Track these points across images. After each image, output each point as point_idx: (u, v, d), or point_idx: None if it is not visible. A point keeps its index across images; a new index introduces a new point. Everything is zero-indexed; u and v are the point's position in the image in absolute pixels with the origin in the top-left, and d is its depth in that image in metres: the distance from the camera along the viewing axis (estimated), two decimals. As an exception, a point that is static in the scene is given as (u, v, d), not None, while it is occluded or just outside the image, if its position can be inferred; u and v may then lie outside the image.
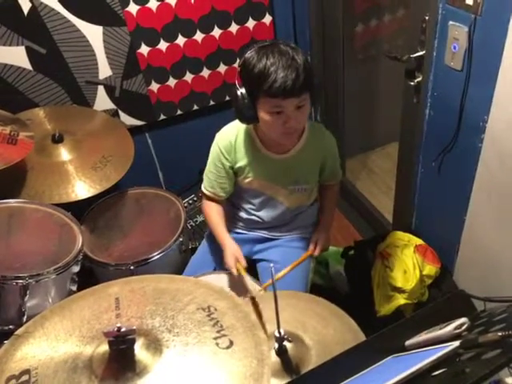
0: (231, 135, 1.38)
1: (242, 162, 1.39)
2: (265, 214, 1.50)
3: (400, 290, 1.56)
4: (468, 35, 1.22)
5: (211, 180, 1.44)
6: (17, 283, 1.20)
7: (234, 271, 1.35)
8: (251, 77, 1.17)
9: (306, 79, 1.15)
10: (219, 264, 1.51)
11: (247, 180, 1.42)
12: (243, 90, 1.21)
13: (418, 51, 1.44)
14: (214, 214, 1.47)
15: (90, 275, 1.58)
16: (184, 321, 0.82)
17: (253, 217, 1.52)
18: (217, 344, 0.78)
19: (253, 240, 1.57)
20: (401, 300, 1.56)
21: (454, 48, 1.28)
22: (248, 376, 0.73)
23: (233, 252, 1.38)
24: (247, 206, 1.51)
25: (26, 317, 1.24)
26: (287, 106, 1.17)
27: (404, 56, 1.47)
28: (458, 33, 1.25)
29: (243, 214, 1.54)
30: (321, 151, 1.42)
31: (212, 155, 1.43)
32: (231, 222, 1.57)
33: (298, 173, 1.41)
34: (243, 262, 1.37)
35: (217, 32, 1.93)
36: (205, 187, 1.47)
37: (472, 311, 0.90)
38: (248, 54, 1.18)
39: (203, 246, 1.61)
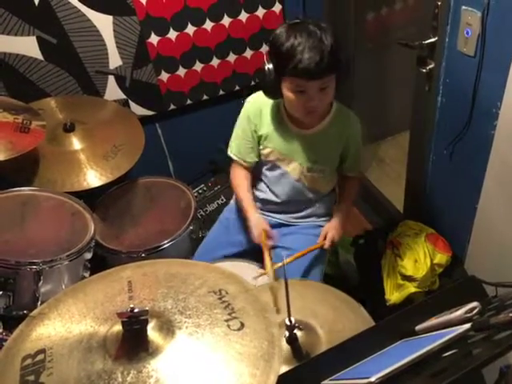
0: (261, 101, 1.41)
1: (265, 129, 1.42)
2: (281, 191, 1.50)
3: (410, 279, 1.56)
4: (481, 20, 1.20)
5: (238, 145, 1.47)
6: (31, 269, 1.22)
7: (265, 244, 1.34)
8: (278, 54, 1.20)
9: (331, 61, 1.16)
10: (230, 247, 1.53)
11: (266, 150, 1.44)
12: (270, 66, 1.24)
13: (430, 38, 1.42)
14: (240, 177, 1.49)
15: (102, 263, 1.59)
16: (195, 303, 0.83)
17: (269, 195, 1.53)
18: (228, 326, 0.79)
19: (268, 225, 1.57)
20: (411, 288, 1.56)
21: (467, 33, 1.26)
22: (259, 357, 0.74)
23: (259, 226, 1.38)
24: (265, 181, 1.52)
25: (39, 302, 1.25)
26: (310, 87, 1.20)
27: (416, 43, 1.45)
28: (470, 18, 1.23)
29: (260, 194, 1.55)
30: (344, 135, 1.41)
31: (240, 118, 1.46)
32: None
33: (317, 152, 1.42)
34: (270, 232, 1.37)
35: (226, 21, 1.93)
36: (232, 153, 1.49)
37: (483, 297, 0.90)
38: (278, 30, 1.21)
39: (214, 230, 1.62)
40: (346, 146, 1.44)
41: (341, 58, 1.21)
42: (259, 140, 1.45)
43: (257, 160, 1.48)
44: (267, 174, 1.50)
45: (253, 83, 2.12)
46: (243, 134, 1.45)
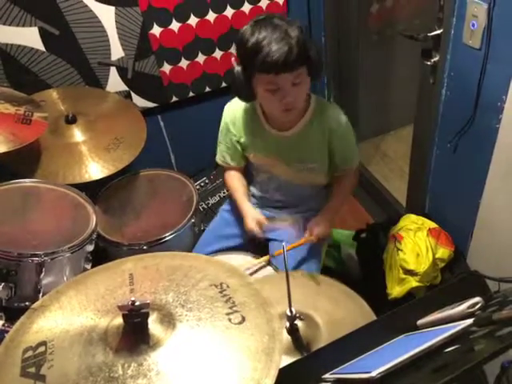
0: (237, 108, 1.39)
1: (246, 136, 1.39)
2: (275, 192, 1.49)
3: (412, 273, 1.55)
4: (487, 12, 1.19)
5: (222, 151, 1.47)
6: (32, 260, 1.22)
7: (258, 232, 1.36)
8: (245, 52, 1.17)
9: (300, 53, 1.13)
10: (226, 243, 1.52)
11: (252, 157, 1.43)
12: (239, 67, 1.21)
13: (435, 30, 1.41)
14: (234, 180, 1.48)
15: (103, 255, 1.60)
16: (197, 297, 0.83)
17: (265, 194, 1.52)
18: (229, 319, 0.79)
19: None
20: (413, 283, 1.56)
21: (473, 26, 1.25)
22: (260, 351, 0.74)
23: (254, 217, 1.38)
24: (259, 182, 1.51)
25: (41, 294, 1.25)
26: (282, 82, 1.16)
27: (420, 35, 1.43)
28: (477, 10, 1.22)
29: (256, 192, 1.54)
30: (326, 129, 1.36)
31: (221, 126, 1.45)
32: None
33: (302, 151, 1.38)
34: (265, 222, 1.38)
35: (229, 12, 1.91)
36: (217, 158, 1.48)
37: (486, 292, 0.89)
38: (243, 29, 1.18)
39: (213, 223, 1.63)
40: (330, 141, 1.38)
41: (310, 50, 1.17)
42: (242, 147, 1.43)
43: (243, 163, 1.47)
44: (259, 177, 1.49)
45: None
46: (224, 142, 1.44)
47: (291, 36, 1.12)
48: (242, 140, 1.40)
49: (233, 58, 1.26)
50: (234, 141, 1.41)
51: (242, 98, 1.29)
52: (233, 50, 2.01)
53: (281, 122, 1.34)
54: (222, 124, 1.44)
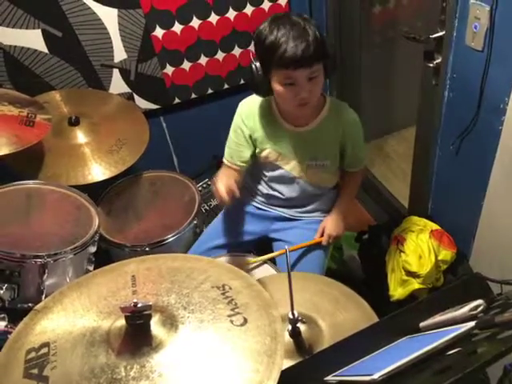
0: (253, 104, 1.41)
1: (260, 131, 1.40)
2: (283, 189, 1.50)
3: (415, 275, 1.55)
4: (490, 14, 1.18)
5: (231, 149, 1.46)
6: (35, 262, 1.22)
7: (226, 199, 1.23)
8: (263, 48, 1.20)
9: (317, 50, 1.16)
10: (230, 239, 1.53)
11: (264, 153, 1.43)
12: (257, 63, 1.23)
13: (437, 32, 1.41)
14: (229, 172, 1.41)
15: (106, 256, 1.60)
16: (199, 298, 0.83)
17: (272, 192, 1.52)
18: (231, 321, 0.79)
19: (272, 218, 1.57)
20: (415, 285, 1.55)
21: (475, 28, 1.25)
22: (262, 353, 0.73)
23: (226, 183, 1.26)
24: (266, 180, 1.52)
25: (44, 295, 1.26)
26: (299, 77, 1.19)
27: (423, 36, 1.43)
28: (479, 12, 1.22)
29: (263, 189, 1.55)
30: (340, 129, 1.40)
31: (234, 122, 1.45)
32: (252, 196, 1.58)
33: (315, 148, 1.40)
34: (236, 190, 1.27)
35: (232, 14, 1.92)
36: (225, 157, 1.47)
37: (488, 294, 0.89)
38: (261, 26, 1.21)
39: (215, 222, 1.63)
40: (343, 141, 1.42)
41: (327, 47, 1.21)
42: (255, 143, 1.43)
43: (249, 163, 1.45)
44: (268, 174, 1.49)
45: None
46: (236, 138, 1.44)
47: (309, 33, 1.16)
48: (256, 135, 1.41)
49: (251, 54, 1.28)
50: (246, 135, 1.41)
51: (259, 92, 1.32)
52: (235, 51, 2.02)
53: (296, 117, 1.36)
54: (235, 120, 1.44)
